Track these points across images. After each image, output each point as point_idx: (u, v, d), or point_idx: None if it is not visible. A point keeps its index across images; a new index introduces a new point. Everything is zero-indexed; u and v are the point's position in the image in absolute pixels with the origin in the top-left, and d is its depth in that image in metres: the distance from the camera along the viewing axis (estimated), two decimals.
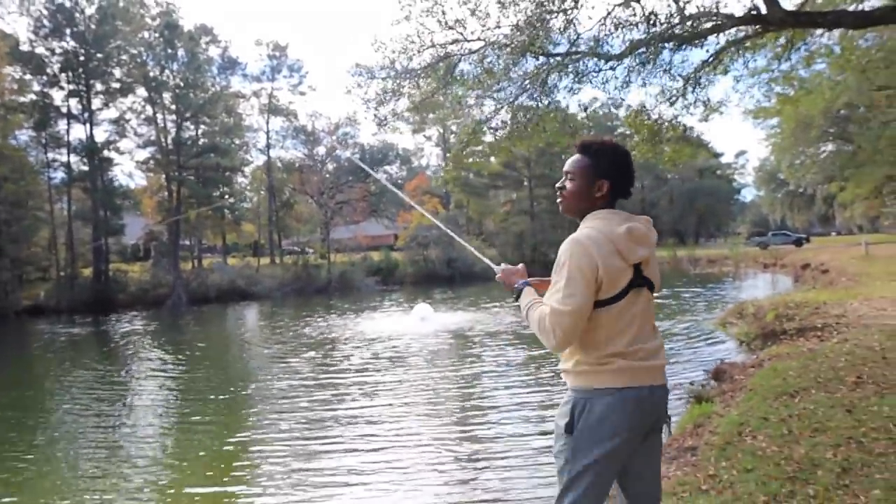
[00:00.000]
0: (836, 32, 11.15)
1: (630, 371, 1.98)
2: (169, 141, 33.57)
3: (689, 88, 9.09)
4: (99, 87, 31.42)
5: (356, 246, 41.34)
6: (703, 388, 6.56)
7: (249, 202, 45.93)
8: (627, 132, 11.05)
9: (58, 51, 30.26)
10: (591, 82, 9.02)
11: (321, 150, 44.61)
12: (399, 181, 55.86)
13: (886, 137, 21.15)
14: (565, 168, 2.15)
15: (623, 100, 10.95)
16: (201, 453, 6.93)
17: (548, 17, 8.42)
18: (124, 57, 32.06)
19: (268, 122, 43.75)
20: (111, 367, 13.58)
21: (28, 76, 30.37)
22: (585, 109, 11.08)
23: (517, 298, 2.17)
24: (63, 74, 30.42)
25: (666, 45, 8.13)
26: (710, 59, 8.95)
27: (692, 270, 33.40)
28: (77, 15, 30.00)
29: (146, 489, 5.91)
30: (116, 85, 31.90)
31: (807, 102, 17.08)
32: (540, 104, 8.97)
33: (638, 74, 8.78)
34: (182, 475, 6.27)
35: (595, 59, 8.69)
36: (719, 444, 4.29)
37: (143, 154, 35.31)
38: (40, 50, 30.05)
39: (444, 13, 9.09)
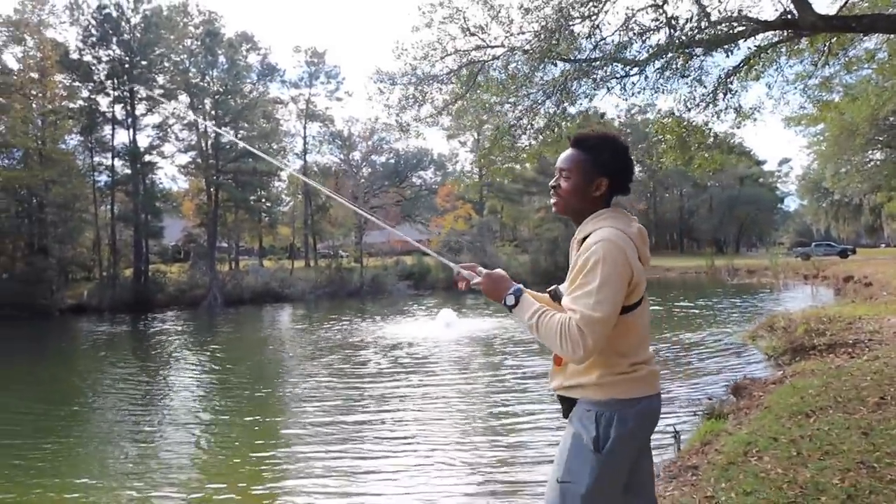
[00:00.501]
0: (881, 37, 10.72)
1: (652, 377, 1.91)
2: (208, 145, 34.43)
3: (720, 94, 8.86)
4: (142, 93, 32.44)
5: (389, 250, 41.63)
6: (719, 405, 6.35)
7: (285, 206, 46.75)
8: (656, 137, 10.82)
9: (104, 58, 31.34)
10: (614, 88, 8.87)
11: (356, 155, 45.14)
12: (433, 186, 55.96)
13: None
14: (558, 164, 1.98)
15: (653, 104, 10.75)
16: (232, 451, 7.09)
17: (570, 22, 8.34)
18: (167, 64, 33.03)
19: (305, 128, 44.53)
20: (147, 364, 14.03)
21: (76, 83, 31.57)
22: (626, 113, 10.87)
23: (514, 305, 1.92)
24: (109, 81, 31.49)
25: (691, 50, 7.94)
26: (741, 64, 8.71)
27: (730, 280, 32.52)
28: (123, 24, 31.03)
29: (177, 485, 6.03)
30: (160, 91, 32.89)
31: (851, 109, 16.48)
32: (561, 110, 8.88)
33: (666, 80, 8.61)
34: (210, 474, 6.39)
35: (618, 65, 8.56)
36: (722, 463, 4.13)
37: (185, 158, 36.41)
38: (88, 58, 31.15)
39: (465, 19, 9.12)
